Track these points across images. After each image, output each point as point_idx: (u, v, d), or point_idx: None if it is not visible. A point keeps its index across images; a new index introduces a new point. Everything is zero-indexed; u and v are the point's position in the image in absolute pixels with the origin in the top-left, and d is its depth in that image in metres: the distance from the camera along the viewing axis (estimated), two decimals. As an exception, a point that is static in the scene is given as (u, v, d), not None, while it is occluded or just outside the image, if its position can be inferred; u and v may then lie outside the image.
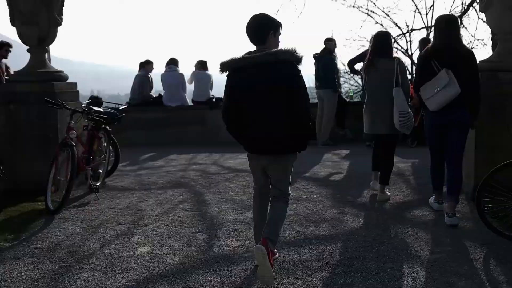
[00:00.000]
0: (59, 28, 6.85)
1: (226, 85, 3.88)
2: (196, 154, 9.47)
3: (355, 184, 6.74)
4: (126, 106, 7.27)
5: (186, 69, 11.84)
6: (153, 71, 11.65)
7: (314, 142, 10.24)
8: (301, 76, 3.79)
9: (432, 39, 5.62)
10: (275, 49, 3.77)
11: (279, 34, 3.91)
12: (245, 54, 3.81)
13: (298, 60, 3.75)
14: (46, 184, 5.69)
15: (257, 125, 3.81)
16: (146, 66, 11.25)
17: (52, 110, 6.17)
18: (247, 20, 3.88)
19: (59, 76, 6.82)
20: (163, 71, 11.25)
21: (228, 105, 3.90)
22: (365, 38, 17.95)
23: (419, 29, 18.92)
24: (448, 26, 5.20)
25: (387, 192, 6.06)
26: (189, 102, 11.39)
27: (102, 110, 6.56)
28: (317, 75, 10.17)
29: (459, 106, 5.05)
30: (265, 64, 3.70)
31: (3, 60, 9.69)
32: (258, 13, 3.91)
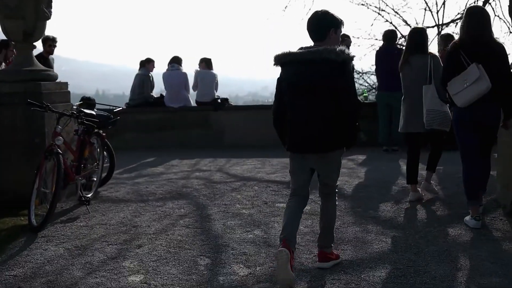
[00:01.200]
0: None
1: (277, 78, 3.88)
2: (200, 159, 8.80)
3: (376, 195, 6.04)
4: (121, 108, 6.59)
5: (190, 68, 11.18)
6: (154, 70, 11.00)
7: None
8: (347, 76, 3.69)
9: (459, 32, 5.22)
10: (322, 48, 3.67)
11: (340, 31, 3.87)
12: (298, 49, 3.78)
13: (345, 60, 3.63)
14: (30, 197, 5.04)
15: (300, 123, 3.75)
16: (147, 64, 10.58)
17: (39, 112, 5.50)
18: (308, 16, 3.85)
19: (47, 75, 6.16)
20: (165, 70, 10.58)
21: (275, 99, 3.92)
22: (374, 36, 17.36)
23: (432, 27, 18.29)
24: (478, 18, 4.92)
25: (434, 187, 6.07)
26: (193, 103, 10.71)
27: (94, 113, 5.88)
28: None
29: (490, 103, 4.77)
30: (309, 61, 3.64)
31: (50, 56, 9.17)
32: (320, 9, 3.86)
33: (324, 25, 3.79)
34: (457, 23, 18.12)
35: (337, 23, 3.82)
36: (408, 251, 4.30)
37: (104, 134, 6.25)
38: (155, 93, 11.00)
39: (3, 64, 8.35)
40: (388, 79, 9.00)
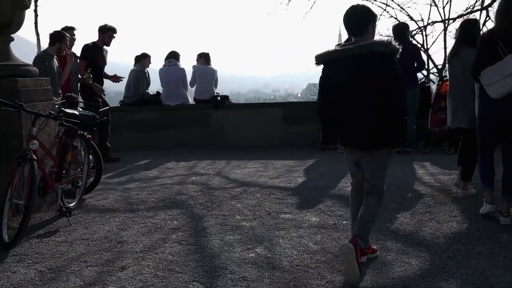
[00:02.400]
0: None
1: (320, 77, 3.87)
2: (198, 161, 8.19)
3: (391, 205, 5.41)
4: (108, 107, 5.95)
5: (188, 64, 10.55)
6: (150, 66, 10.40)
7: (334, 146, 8.95)
8: (396, 69, 3.62)
9: (495, 20, 4.91)
10: (369, 41, 3.64)
11: (376, 25, 3.82)
12: (339, 46, 3.74)
13: (393, 51, 3.59)
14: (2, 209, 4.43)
15: (347, 119, 3.70)
16: (142, 60, 9.95)
17: (15, 113, 4.87)
18: (345, 11, 3.79)
19: (26, 71, 5.53)
20: (161, 66, 9.95)
21: (321, 97, 3.92)
22: (379, 32, 16.83)
23: (440, 22, 17.67)
24: None
25: (471, 189, 5.65)
26: (191, 101, 10.09)
27: (77, 113, 5.26)
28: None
29: None
30: (357, 56, 3.58)
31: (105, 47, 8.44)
32: (356, 3, 3.83)
33: (364, 19, 3.75)
34: (464, 18, 17.60)
35: (375, 17, 3.82)
36: (436, 275, 3.67)
37: (89, 136, 5.63)
38: (151, 90, 10.37)
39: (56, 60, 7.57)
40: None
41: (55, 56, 7.36)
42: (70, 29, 8.03)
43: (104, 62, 8.37)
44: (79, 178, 5.56)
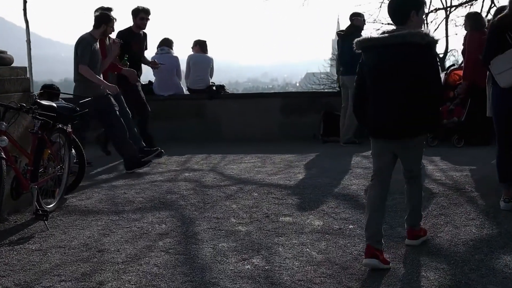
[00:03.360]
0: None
1: (359, 62, 3.80)
2: (191, 155, 7.69)
3: (402, 206, 4.90)
4: (89, 98, 5.44)
5: (182, 52, 10.03)
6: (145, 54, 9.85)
7: (336, 139, 8.47)
8: (432, 59, 3.67)
9: (508, 7, 4.61)
10: (405, 31, 3.57)
11: (423, 12, 3.78)
12: (380, 34, 3.70)
13: (430, 43, 3.55)
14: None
15: (382, 108, 3.65)
16: (132, 47, 9.40)
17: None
18: None
19: (-1, 58, 5.02)
20: (153, 54, 9.40)
21: (356, 85, 3.87)
22: (380, 21, 16.29)
23: (442, 9, 17.15)
24: None
25: None
26: (185, 91, 9.57)
27: (55, 105, 4.76)
28: (341, 58, 8.32)
29: None
30: (392, 45, 3.56)
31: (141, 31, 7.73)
32: None
33: (404, 7, 3.66)
34: (466, 6, 17.08)
35: (419, 4, 3.71)
36: (459, 293, 3.20)
37: (70, 130, 5.13)
38: (142, 79, 9.82)
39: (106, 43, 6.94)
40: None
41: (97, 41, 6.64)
42: (107, 11, 6.98)
43: (140, 48, 7.71)
44: (59, 177, 5.07)
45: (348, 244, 4.01)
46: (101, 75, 6.63)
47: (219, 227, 4.44)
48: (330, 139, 8.67)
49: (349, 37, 8.16)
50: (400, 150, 3.76)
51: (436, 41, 3.59)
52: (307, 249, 3.91)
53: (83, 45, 6.35)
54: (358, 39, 3.74)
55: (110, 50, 6.92)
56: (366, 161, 6.99)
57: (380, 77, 3.63)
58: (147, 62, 8.15)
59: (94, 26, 6.55)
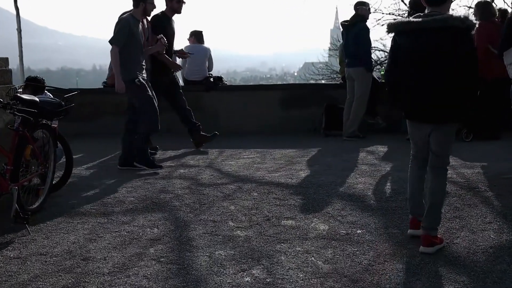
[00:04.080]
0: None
1: (390, 46, 3.84)
2: (187, 149, 7.34)
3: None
4: (75, 92, 5.07)
5: (178, 44, 9.61)
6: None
7: (339, 133, 8.11)
8: (470, 43, 3.56)
9: None
10: (445, 15, 3.54)
11: None
12: (413, 17, 3.65)
13: (469, 26, 3.50)
14: None
15: (418, 91, 3.64)
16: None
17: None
18: None
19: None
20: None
21: (390, 68, 3.84)
22: (380, 10, 15.97)
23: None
24: None
25: None
26: (181, 82, 9.17)
27: (37, 100, 4.38)
28: (346, 49, 7.94)
29: None
30: (432, 29, 3.51)
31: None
32: None
33: None
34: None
35: None
36: (484, 312, 2.86)
37: (55, 126, 4.77)
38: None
39: (144, 23, 6.37)
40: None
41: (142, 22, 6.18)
42: None
43: (173, 34, 7.11)
44: (44, 175, 4.71)
45: (357, 252, 3.66)
46: (142, 62, 6.18)
47: (216, 231, 4.09)
48: (332, 132, 8.32)
49: (353, 27, 7.81)
50: (432, 133, 3.74)
51: (474, 25, 3.52)
52: (312, 258, 3.56)
53: (120, 26, 5.90)
54: (393, 22, 3.71)
55: (147, 33, 6.45)
56: (372, 157, 6.64)
57: (417, 61, 3.59)
58: (175, 51, 7.46)
59: (133, 5, 6.08)
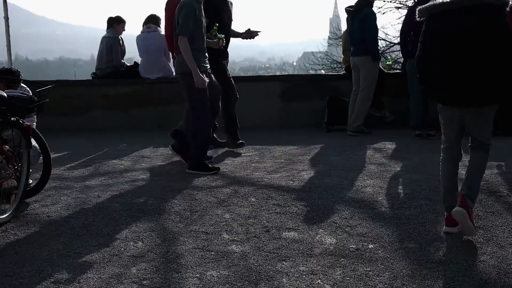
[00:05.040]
0: None
1: (422, 31, 3.68)
2: (180, 147, 6.81)
3: (430, 214, 4.10)
4: (50, 86, 4.55)
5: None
6: (129, 32, 8.97)
7: (343, 128, 7.62)
8: (504, 24, 3.43)
9: None
10: None
11: None
12: None
13: (504, 4, 3.41)
14: None
15: (452, 75, 3.48)
16: (115, 25, 8.48)
17: None
18: None
19: None
20: (139, 32, 8.49)
21: (422, 53, 3.66)
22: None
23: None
24: None
25: None
26: (174, 73, 8.64)
27: (5, 95, 3.87)
28: (351, 36, 7.41)
29: None
30: (467, 8, 3.42)
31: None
32: None
33: None
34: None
35: None
36: None
37: (28, 124, 4.26)
38: (128, 61, 8.94)
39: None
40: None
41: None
42: None
43: (230, 17, 6.39)
44: (16, 180, 4.21)
45: (370, 272, 3.17)
46: (206, 51, 5.54)
47: (208, 246, 3.60)
48: (335, 127, 7.82)
49: (359, 14, 7.28)
50: (467, 119, 3.66)
51: (508, 2, 3.43)
52: (319, 281, 3.07)
53: (185, 11, 5.21)
54: (425, 6, 3.58)
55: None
56: (379, 155, 6.15)
57: (455, 42, 3.45)
58: (238, 34, 6.70)
59: None
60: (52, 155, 6.32)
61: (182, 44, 5.25)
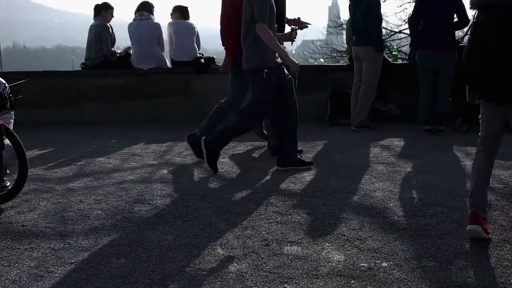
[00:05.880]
0: None
1: (472, 24, 3.61)
2: (173, 143, 6.39)
3: (448, 224, 3.67)
4: (23, 80, 4.10)
5: (164, 19, 8.62)
6: (121, 19, 8.46)
7: (346, 121, 7.19)
8: None
9: None
10: None
11: None
12: None
13: None
14: None
15: (499, 69, 3.37)
16: (103, 12, 8.00)
17: None
18: None
19: None
20: (131, 20, 8.02)
21: (472, 45, 3.53)
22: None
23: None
24: None
25: None
26: (168, 64, 8.20)
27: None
28: (354, 26, 6.95)
29: None
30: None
31: None
32: None
33: None
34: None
35: None
36: None
37: (1, 123, 3.82)
38: (118, 49, 8.46)
39: None
40: (434, 33, 6.49)
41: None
42: None
43: (284, 5, 5.68)
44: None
45: (386, 298, 2.75)
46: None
47: (200, 263, 3.17)
48: (339, 121, 7.38)
49: (362, 1, 6.83)
50: (510, 114, 3.50)
51: None
52: (327, 310, 2.65)
53: None
54: None
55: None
56: (387, 153, 5.71)
57: (499, 36, 3.36)
58: (289, 21, 5.98)
59: None
60: (36, 152, 5.97)
61: (263, 32, 4.73)
